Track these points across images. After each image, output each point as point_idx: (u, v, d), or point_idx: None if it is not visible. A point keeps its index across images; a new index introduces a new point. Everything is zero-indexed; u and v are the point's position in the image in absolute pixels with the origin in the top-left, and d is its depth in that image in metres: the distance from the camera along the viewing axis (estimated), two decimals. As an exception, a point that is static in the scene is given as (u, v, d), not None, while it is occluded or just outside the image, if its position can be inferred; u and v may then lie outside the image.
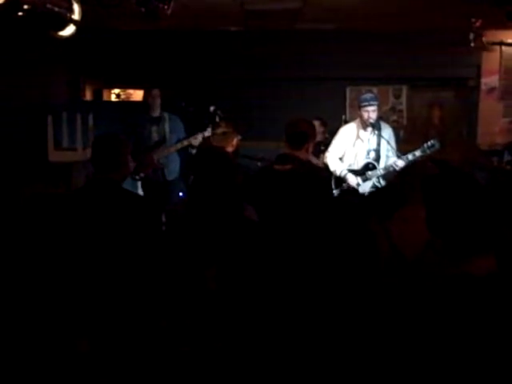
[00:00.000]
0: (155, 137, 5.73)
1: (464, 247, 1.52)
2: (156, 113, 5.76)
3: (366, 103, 5.01)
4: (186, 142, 5.46)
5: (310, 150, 3.58)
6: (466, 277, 1.46)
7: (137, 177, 5.62)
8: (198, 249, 2.59)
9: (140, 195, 4.70)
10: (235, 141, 4.45)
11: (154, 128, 5.73)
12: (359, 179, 5.06)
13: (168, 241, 2.77)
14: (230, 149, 4.29)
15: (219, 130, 4.26)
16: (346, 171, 5.09)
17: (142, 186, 5.76)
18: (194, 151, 5.39)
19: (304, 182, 3.37)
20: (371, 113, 4.99)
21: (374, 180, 5.08)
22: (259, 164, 5.39)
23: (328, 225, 3.10)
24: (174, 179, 5.79)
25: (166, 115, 5.76)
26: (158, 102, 5.75)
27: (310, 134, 3.58)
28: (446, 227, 1.56)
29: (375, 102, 5.03)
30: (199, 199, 2.71)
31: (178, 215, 2.93)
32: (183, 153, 5.72)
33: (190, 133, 5.55)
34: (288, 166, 3.44)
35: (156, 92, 5.74)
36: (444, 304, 1.47)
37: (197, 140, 5.36)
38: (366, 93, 5.27)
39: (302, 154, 3.49)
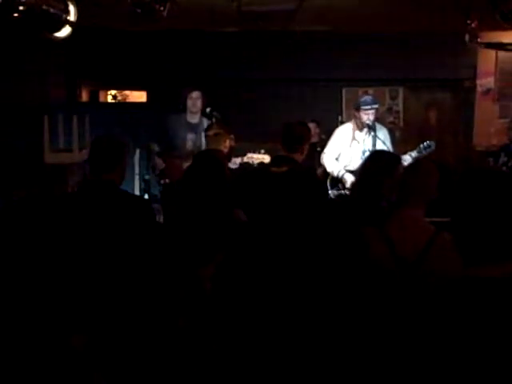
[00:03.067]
0: (190, 145, 5.04)
1: (494, 249, 1.45)
2: (195, 119, 5.07)
3: (368, 106, 5.08)
4: None
5: (306, 152, 3.62)
6: (495, 280, 1.42)
7: (161, 181, 5.02)
8: (189, 248, 2.61)
9: (137, 196, 4.67)
10: (228, 142, 4.43)
11: (191, 136, 5.05)
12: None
13: (164, 240, 2.78)
14: (224, 150, 4.27)
15: (211, 132, 4.22)
16: (344, 171, 5.11)
17: (163, 192, 5.04)
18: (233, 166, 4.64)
19: (299, 184, 3.41)
20: (371, 115, 5.07)
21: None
22: (255, 165, 5.36)
23: (321, 227, 3.11)
24: None
25: (206, 122, 4.97)
26: (199, 105, 5.00)
27: (306, 136, 3.65)
28: (480, 225, 1.47)
29: (376, 106, 5.14)
30: (188, 199, 2.74)
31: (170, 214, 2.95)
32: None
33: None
34: (284, 168, 3.47)
35: (197, 94, 5.00)
36: (469, 307, 1.43)
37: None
38: (365, 95, 5.33)
39: (297, 157, 3.54)
